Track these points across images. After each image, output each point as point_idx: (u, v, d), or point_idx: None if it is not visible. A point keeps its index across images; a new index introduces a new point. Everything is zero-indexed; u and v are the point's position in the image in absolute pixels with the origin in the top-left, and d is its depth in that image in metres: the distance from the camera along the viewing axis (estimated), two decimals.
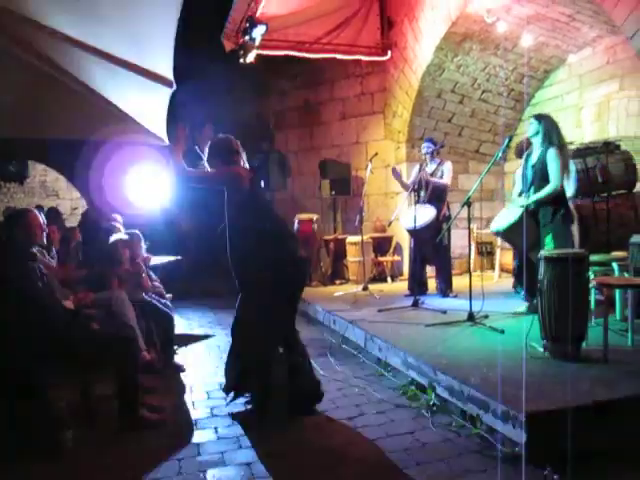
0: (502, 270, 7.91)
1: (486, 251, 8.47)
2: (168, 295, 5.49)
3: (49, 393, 3.26)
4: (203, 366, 4.93)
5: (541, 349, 3.86)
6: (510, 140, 5.13)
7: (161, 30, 3.63)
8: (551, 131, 4.99)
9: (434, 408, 3.61)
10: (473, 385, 3.30)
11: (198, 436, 3.42)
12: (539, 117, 5.11)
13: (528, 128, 5.15)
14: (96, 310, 4.01)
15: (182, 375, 4.65)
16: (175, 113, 5.17)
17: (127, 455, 3.16)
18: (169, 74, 4.10)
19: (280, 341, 3.70)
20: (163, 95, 4.44)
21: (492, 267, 8.19)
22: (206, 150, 3.80)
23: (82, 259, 5.59)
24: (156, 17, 3.57)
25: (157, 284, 5.38)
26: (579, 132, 7.40)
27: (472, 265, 7.75)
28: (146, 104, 4.84)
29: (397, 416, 3.59)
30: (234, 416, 3.69)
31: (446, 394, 3.55)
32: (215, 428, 3.52)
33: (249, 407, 3.79)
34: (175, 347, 5.09)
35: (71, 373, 3.45)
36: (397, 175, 6.45)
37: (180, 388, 4.35)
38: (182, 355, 5.22)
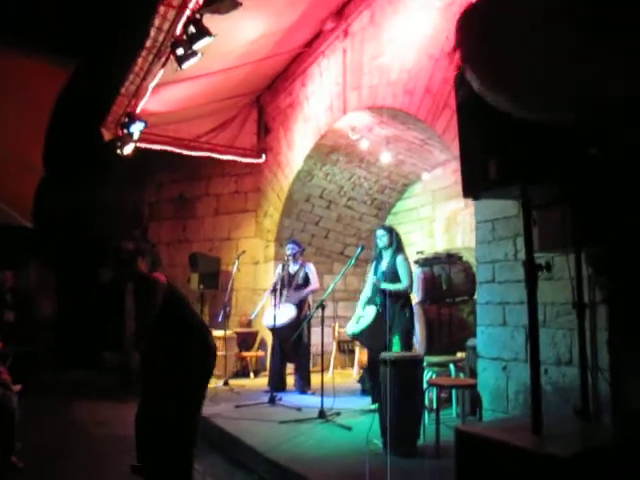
0: (361, 368, 8.22)
1: (347, 349, 8.80)
2: (16, 387, 5.19)
3: None
4: (43, 465, 4.68)
5: (381, 445, 4.10)
6: (362, 249, 5.58)
7: (34, 117, 3.73)
8: (400, 241, 5.58)
9: None
10: None
11: None
12: (390, 229, 5.67)
13: (379, 239, 5.64)
14: None
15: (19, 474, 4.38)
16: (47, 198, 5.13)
17: None
18: (39, 160, 4.17)
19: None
20: (31, 179, 4.47)
21: (353, 365, 8.50)
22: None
23: None
24: (30, 103, 3.67)
25: (4, 374, 5.09)
26: (432, 241, 8.17)
27: (333, 363, 8.06)
28: (13, 186, 4.81)
29: None
30: None
31: None
32: None
33: None
34: (16, 444, 4.78)
35: None
36: None
37: None
38: (23, 452, 4.91)
